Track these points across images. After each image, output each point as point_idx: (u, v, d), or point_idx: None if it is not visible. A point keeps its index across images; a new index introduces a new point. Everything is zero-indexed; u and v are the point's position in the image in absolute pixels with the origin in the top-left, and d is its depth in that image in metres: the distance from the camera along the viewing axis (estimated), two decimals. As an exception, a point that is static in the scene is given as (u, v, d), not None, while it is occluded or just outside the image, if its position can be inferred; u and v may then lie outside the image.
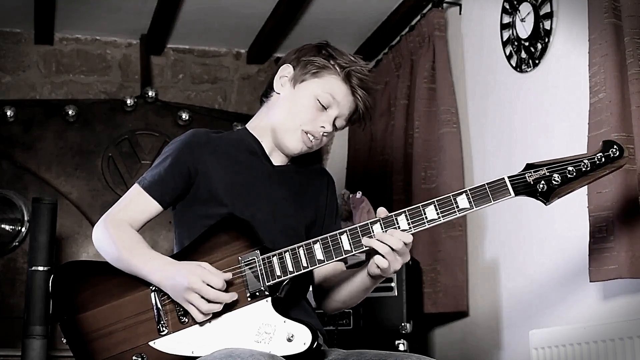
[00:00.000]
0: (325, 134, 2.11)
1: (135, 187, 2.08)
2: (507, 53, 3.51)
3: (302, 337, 1.90)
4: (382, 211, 1.94)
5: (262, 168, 2.14)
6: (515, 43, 3.45)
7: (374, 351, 2.03)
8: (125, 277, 1.98)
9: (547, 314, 3.17)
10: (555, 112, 3.21)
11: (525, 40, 3.38)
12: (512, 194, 1.89)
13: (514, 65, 3.47)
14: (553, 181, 1.89)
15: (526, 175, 1.90)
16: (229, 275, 1.90)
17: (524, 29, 3.39)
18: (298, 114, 2.10)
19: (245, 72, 5.18)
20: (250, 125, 2.22)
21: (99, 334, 1.95)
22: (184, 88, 5.10)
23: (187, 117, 4.52)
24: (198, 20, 4.69)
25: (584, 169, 1.90)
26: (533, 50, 3.33)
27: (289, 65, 2.15)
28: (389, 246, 1.89)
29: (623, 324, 2.67)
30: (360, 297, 2.12)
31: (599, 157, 1.91)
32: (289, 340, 1.90)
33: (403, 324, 3.44)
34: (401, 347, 3.39)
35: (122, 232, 2.01)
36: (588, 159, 1.90)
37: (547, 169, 1.90)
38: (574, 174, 1.89)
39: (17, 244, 4.15)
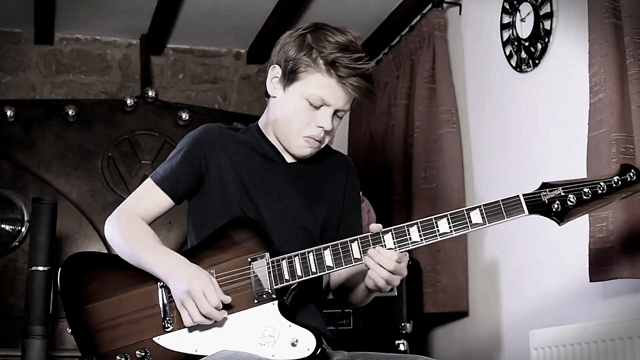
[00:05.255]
0: (327, 131, 2.05)
1: (147, 181, 2.08)
2: (507, 53, 3.51)
3: (306, 343, 1.88)
4: (375, 227, 1.91)
5: (275, 167, 2.10)
6: (515, 43, 3.45)
7: (381, 353, 2.01)
8: (134, 270, 1.98)
9: (547, 314, 3.16)
10: (556, 112, 3.21)
11: (525, 40, 3.38)
12: (526, 212, 1.87)
13: (514, 65, 3.47)
14: (568, 202, 1.86)
15: (541, 194, 1.87)
16: (228, 299, 1.90)
17: (524, 29, 3.39)
18: (294, 120, 2.03)
19: (245, 72, 5.18)
20: (261, 123, 2.17)
21: (104, 326, 1.96)
22: (184, 88, 5.10)
23: (187, 117, 4.52)
24: (198, 20, 4.69)
25: (599, 192, 1.86)
26: (533, 50, 3.33)
27: (275, 65, 2.08)
28: (382, 266, 1.87)
29: (623, 324, 2.67)
30: (367, 298, 2.10)
31: (615, 180, 1.87)
32: (293, 345, 1.88)
33: (403, 324, 3.44)
34: (401, 347, 3.39)
35: (133, 225, 2.01)
36: (604, 182, 1.87)
37: (562, 189, 1.87)
38: (590, 195, 1.86)
39: (17, 244, 4.15)
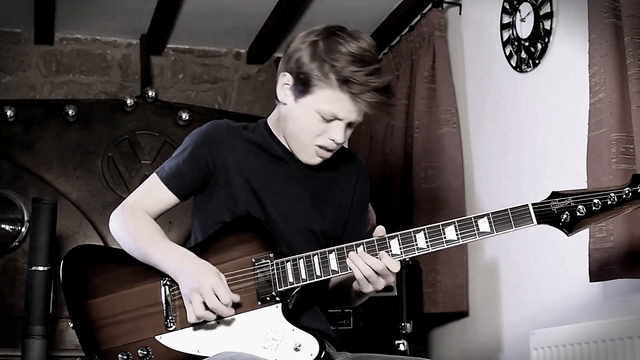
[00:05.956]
0: (338, 143, 2.01)
1: (153, 177, 2.06)
2: (507, 53, 3.51)
3: (309, 348, 1.87)
4: (380, 230, 1.90)
5: (283, 167, 2.07)
6: (515, 43, 3.45)
7: (384, 355, 2.00)
8: (137, 266, 1.96)
9: (548, 314, 3.16)
10: (555, 112, 3.21)
11: (525, 40, 3.38)
12: (535, 222, 1.85)
13: (514, 65, 3.46)
14: (577, 212, 1.84)
15: (551, 204, 1.86)
16: (237, 297, 1.88)
17: (524, 29, 3.39)
18: (306, 130, 1.99)
19: (245, 72, 5.18)
20: (271, 121, 2.12)
21: (106, 322, 1.95)
22: (184, 88, 5.10)
23: (187, 117, 4.52)
24: (198, 20, 4.69)
25: (609, 202, 1.84)
26: (533, 50, 3.33)
27: (286, 73, 2.02)
28: (371, 268, 1.87)
29: (623, 324, 2.66)
30: (358, 301, 2.11)
31: (626, 191, 1.84)
32: (296, 349, 1.87)
33: (403, 324, 3.43)
34: (401, 347, 3.39)
35: (139, 220, 2.00)
36: (615, 193, 1.84)
37: (572, 199, 1.85)
38: (600, 206, 1.84)
39: (17, 244, 4.15)
